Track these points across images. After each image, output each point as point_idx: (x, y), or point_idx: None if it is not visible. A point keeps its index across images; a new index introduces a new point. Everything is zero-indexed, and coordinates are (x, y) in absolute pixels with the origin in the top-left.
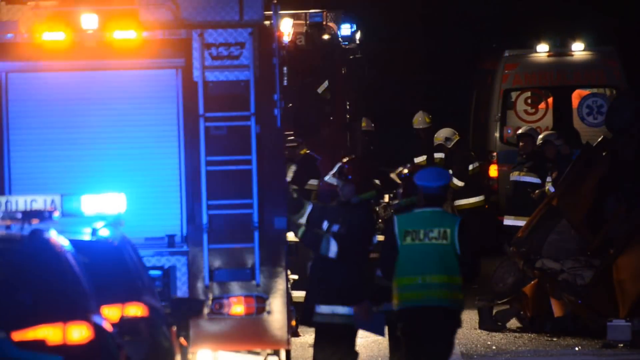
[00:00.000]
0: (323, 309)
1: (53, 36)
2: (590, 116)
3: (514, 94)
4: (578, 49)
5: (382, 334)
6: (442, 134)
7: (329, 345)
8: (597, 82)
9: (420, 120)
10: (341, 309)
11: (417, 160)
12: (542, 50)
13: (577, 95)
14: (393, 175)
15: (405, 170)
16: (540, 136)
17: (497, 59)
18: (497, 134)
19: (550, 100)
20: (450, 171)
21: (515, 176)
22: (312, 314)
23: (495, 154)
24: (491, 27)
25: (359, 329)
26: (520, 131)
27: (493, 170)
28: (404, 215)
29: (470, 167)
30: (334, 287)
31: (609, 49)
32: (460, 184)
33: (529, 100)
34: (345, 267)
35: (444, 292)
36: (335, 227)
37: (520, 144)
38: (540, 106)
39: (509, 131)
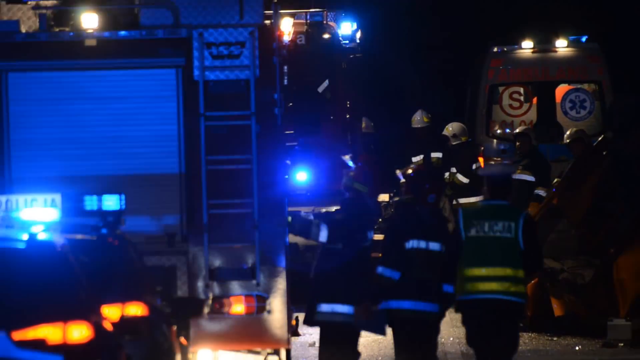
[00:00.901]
0: (323, 307)
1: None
2: (573, 110)
3: (499, 89)
4: (562, 46)
5: (383, 333)
6: (451, 128)
7: (331, 344)
8: (579, 78)
9: (418, 119)
10: (341, 307)
11: (415, 159)
12: (527, 46)
13: (560, 90)
14: (398, 172)
15: (410, 170)
16: (568, 133)
17: (484, 55)
18: (483, 128)
19: (534, 95)
20: (454, 169)
21: None
22: (314, 313)
23: (482, 147)
24: (487, 24)
25: (360, 329)
26: (517, 131)
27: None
28: (469, 207)
29: (474, 166)
30: (335, 286)
31: (591, 46)
32: (465, 180)
33: (514, 95)
34: (348, 266)
35: (506, 285)
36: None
37: (517, 143)
38: (524, 101)
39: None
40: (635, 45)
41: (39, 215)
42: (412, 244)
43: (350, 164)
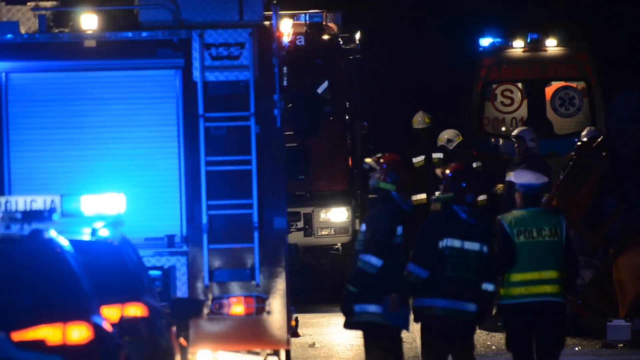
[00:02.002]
0: (355, 308)
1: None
2: (563, 107)
3: (492, 87)
4: (551, 45)
5: (407, 328)
6: (444, 136)
7: (367, 345)
8: (569, 76)
9: (419, 120)
10: (369, 307)
11: (416, 160)
12: (518, 45)
13: (550, 88)
14: (438, 171)
15: (448, 170)
16: (584, 132)
17: (478, 54)
18: (476, 124)
19: (525, 92)
20: None
21: (510, 177)
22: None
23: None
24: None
25: (386, 321)
26: (514, 133)
27: None
28: (508, 215)
29: (474, 165)
30: (367, 286)
31: (580, 45)
32: None
33: (506, 93)
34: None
35: (557, 287)
36: (363, 227)
37: (515, 145)
38: (515, 98)
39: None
40: (623, 44)
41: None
42: (445, 242)
43: (375, 166)
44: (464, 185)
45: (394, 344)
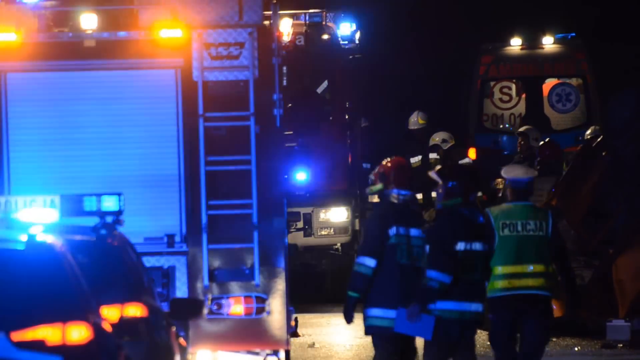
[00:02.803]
0: (366, 312)
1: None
2: (560, 103)
3: (490, 84)
4: (548, 43)
5: (429, 336)
6: (439, 136)
7: (376, 343)
8: (565, 73)
9: (413, 121)
10: (376, 311)
11: (412, 160)
12: (516, 43)
13: (547, 85)
14: (432, 175)
15: (447, 174)
16: (589, 131)
17: (476, 52)
18: (475, 121)
19: (523, 89)
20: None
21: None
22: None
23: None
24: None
25: (402, 333)
26: (520, 129)
27: (472, 153)
28: (496, 208)
29: (467, 162)
30: (369, 289)
31: (576, 42)
32: None
33: (504, 90)
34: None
35: (541, 281)
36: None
37: (520, 141)
38: (513, 95)
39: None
40: (618, 40)
41: (38, 216)
42: (459, 246)
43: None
44: (465, 186)
45: (404, 343)
